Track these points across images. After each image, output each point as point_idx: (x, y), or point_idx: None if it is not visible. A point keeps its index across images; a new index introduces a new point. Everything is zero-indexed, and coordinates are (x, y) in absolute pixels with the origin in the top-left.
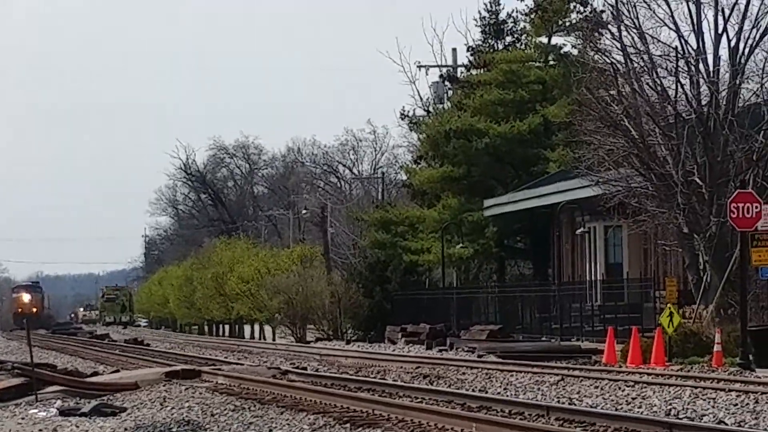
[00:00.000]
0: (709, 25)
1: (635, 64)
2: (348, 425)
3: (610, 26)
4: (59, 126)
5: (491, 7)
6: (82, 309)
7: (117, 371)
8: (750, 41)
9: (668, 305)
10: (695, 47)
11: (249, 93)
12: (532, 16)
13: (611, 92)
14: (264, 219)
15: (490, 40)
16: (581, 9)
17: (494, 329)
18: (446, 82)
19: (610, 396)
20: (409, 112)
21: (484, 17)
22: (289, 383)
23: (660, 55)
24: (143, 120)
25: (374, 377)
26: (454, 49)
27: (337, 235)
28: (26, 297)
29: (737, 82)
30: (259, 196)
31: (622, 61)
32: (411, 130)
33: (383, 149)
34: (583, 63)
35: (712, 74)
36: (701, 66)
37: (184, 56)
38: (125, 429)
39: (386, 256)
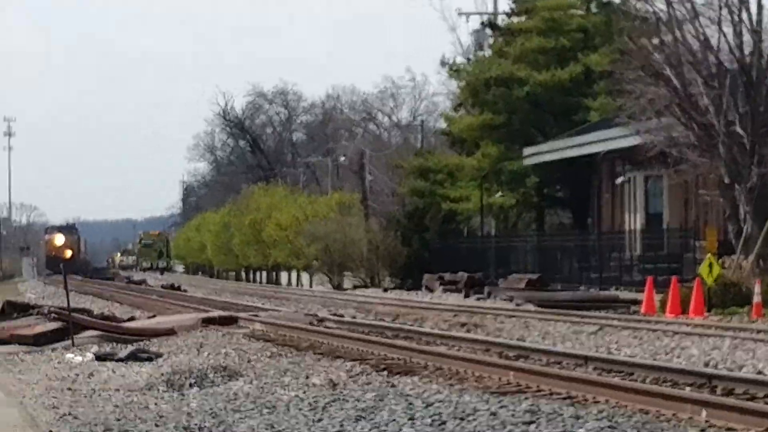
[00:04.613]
0: None
1: (677, 13)
2: (385, 372)
3: None
4: (97, 73)
5: None
6: (119, 254)
7: (153, 316)
8: None
9: (708, 255)
10: None
11: (288, 42)
12: None
13: (653, 41)
14: (302, 166)
15: None
16: None
17: (533, 278)
18: (487, 30)
19: (649, 346)
20: (449, 59)
21: None
22: (326, 330)
23: (703, 4)
24: (182, 68)
25: (411, 325)
26: None
27: (376, 183)
28: (59, 239)
29: None
30: (298, 142)
31: (665, 9)
32: (451, 78)
33: (423, 97)
34: (626, 11)
35: (755, 23)
36: (744, 15)
37: (223, 6)
38: (161, 374)
39: (425, 204)
